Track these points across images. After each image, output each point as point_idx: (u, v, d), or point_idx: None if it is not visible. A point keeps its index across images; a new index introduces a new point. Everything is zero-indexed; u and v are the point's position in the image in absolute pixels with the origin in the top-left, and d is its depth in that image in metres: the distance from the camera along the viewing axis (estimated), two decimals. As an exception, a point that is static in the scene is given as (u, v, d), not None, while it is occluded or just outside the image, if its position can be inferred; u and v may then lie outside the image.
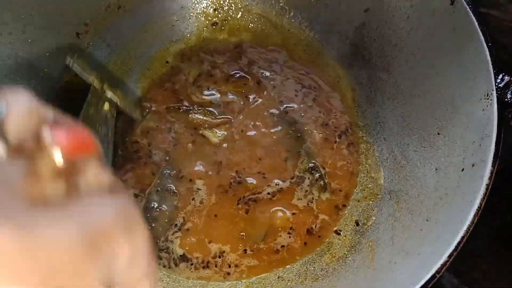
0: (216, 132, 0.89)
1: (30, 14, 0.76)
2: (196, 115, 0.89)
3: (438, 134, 0.73)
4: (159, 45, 0.97)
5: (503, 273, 1.08)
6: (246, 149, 0.87)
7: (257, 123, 0.90)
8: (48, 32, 0.81)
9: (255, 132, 0.89)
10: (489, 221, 1.09)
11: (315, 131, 0.89)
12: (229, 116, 0.90)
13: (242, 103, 0.91)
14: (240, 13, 0.98)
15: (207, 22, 0.98)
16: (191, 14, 0.98)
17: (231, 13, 0.98)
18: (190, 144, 0.87)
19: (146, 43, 0.95)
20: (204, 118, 0.89)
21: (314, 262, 0.79)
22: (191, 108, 0.90)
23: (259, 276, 0.78)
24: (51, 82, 0.84)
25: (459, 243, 0.59)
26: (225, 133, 0.89)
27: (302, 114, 0.90)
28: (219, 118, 0.90)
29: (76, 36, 0.86)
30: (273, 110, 0.91)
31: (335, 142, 0.88)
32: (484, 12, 0.90)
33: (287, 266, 0.79)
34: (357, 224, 0.81)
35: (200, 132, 0.88)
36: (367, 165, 0.87)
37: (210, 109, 0.90)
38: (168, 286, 0.77)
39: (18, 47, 0.77)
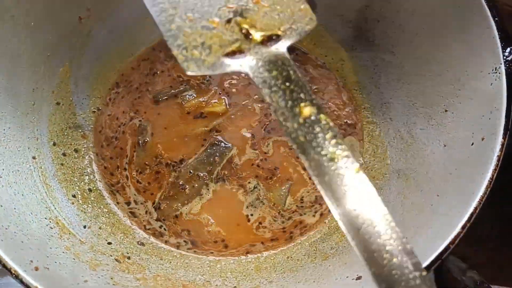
0: (217, 102, 0.90)
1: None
2: (189, 101, 0.90)
3: (446, 111, 0.74)
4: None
5: (508, 258, 1.08)
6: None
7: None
8: (51, 16, 0.80)
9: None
10: (495, 206, 1.09)
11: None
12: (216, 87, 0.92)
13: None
14: (242, -2, 0.98)
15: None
16: (193, -1, 0.97)
17: None
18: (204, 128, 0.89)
19: (148, 29, 0.95)
20: (198, 99, 0.90)
21: (323, 242, 0.79)
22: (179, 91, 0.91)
23: (268, 256, 0.79)
24: (54, 66, 0.83)
25: (472, 214, 0.59)
26: (226, 98, 0.91)
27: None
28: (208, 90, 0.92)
29: (78, 20, 0.85)
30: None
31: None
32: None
33: (297, 246, 0.80)
34: (366, 204, 0.81)
35: (205, 113, 0.90)
36: (373, 146, 0.87)
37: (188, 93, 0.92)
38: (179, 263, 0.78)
39: (21, 31, 0.76)
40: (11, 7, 0.74)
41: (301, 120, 0.45)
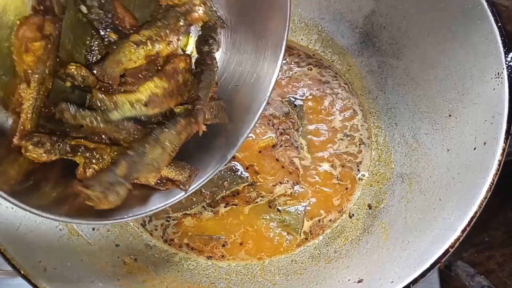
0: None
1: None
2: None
3: (450, 116, 0.74)
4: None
5: (519, 265, 1.08)
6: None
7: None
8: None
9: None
10: (507, 212, 1.09)
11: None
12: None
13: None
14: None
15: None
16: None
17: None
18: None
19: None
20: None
21: (327, 245, 0.80)
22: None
23: (272, 259, 0.80)
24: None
25: (472, 218, 0.60)
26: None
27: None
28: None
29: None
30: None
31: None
32: (494, 3, 0.91)
33: (300, 249, 0.81)
34: (370, 208, 0.82)
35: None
36: (379, 150, 0.88)
37: None
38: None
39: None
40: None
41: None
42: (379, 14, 0.87)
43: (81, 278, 0.66)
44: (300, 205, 0.84)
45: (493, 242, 1.10)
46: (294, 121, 0.90)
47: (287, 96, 0.92)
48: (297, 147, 0.88)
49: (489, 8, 0.68)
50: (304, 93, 0.93)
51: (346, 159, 0.87)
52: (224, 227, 0.82)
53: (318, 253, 0.80)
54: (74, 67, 0.55)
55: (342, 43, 0.96)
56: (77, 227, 0.74)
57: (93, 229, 0.77)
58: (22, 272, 0.59)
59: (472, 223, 0.60)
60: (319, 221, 0.83)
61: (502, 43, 0.66)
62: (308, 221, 0.83)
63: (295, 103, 0.92)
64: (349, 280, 0.68)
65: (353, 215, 0.83)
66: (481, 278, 0.95)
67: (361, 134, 0.90)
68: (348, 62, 0.95)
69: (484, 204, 0.60)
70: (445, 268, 0.99)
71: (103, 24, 0.57)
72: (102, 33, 0.57)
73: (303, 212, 0.83)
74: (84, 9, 0.56)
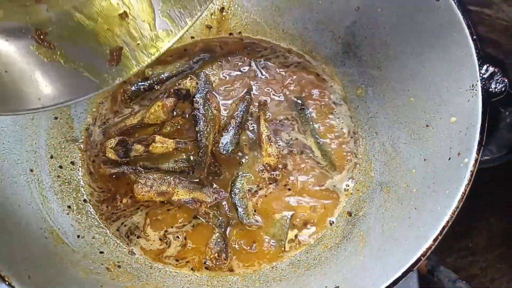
0: None
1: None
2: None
3: (427, 126, 0.76)
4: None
5: (502, 270, 1.09)
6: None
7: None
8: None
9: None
10: (490, 218, 1.10)
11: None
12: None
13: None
14: (236, 14, 1.01)
15: (202, 25, 1.01)
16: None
17: (226, 16, 1.01)
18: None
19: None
20: None
21: (307, 253, 0.81)
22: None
23: (253, 267, 0.81)
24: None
25: (443, 228, 0.61)
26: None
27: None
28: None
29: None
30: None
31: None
32: (477, 11, 0.92)
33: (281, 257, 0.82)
34: (350, 215, 0.83)
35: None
36: (359, 159, 0.89)
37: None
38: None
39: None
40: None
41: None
42: (360, 25, 0.89)
43: (65, 285, 0.68)
44: (286, 217, 0.85)
45: (476, 247, 1.11)
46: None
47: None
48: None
49: (464, 21, 0.70)
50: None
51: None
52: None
53: (298, 260, 0.81)
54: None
55: (325, 53, 0.97)
56: (62, 235, 0.76)
57: (78, 236, 0.79)
58: (7, 280, 0.60)
59: (444, 232, 0.61)
60: (304, 233, 0.84)
61: (476, 56, 0.68)
62: (293, 232, 0.84)
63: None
64: (326, 286, 0.69)
65: (333, 222, 0.84)
66: (462, 284, 0.96)
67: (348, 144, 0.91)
68: (330, 71, 0.97)
69: (456, 213, 0.62)
70: (428, 273, 1.00)
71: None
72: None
73: (288, 224, 0.84)
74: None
